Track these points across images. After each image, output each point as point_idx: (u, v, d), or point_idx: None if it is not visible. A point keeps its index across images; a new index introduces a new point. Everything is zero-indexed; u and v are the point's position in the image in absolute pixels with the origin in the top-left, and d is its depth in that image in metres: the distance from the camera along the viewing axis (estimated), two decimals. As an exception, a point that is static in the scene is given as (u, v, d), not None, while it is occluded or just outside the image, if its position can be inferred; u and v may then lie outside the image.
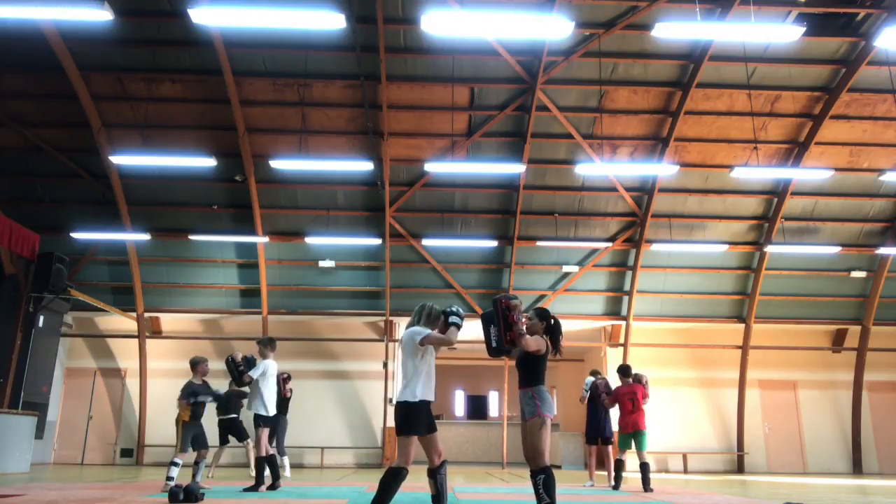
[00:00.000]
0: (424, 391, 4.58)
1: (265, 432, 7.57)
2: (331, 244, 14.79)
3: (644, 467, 8.57)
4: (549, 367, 20.14)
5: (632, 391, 9.07)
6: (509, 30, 11.10)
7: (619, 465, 8.91)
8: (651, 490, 8.21)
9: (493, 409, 24.21)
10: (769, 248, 14.66)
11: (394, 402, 15.57)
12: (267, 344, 7.85)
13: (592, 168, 13.15)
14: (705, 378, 15.83)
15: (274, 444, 10.02)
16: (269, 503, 6.04)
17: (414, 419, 4.50)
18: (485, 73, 13.09)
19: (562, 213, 14.92)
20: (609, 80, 13.15)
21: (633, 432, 8.90)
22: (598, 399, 9.93)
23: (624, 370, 9.37)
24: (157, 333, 15.88)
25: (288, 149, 13.76)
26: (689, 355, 16.10)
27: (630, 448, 9.00)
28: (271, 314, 15.41)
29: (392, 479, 4.36)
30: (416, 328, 4.70)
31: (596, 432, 9.97)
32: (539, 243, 14.75)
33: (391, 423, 15.36)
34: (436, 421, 4.80)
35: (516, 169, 13.09)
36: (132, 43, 12.36)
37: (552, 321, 4.92)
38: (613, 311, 15.77)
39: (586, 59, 12.74)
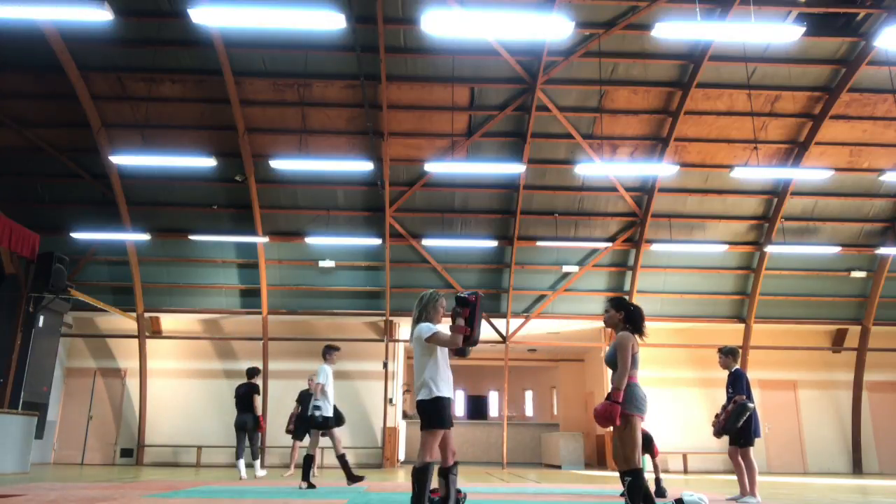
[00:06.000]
0: (441, 388, 4.41)
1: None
2: (331, 244, 14.79)
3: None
4: (549, 368, 20.00)
5: None
6: (509, 30, 11.11)
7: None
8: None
9: (494, 409, 24.22)
10: (769, 248, 14.66)
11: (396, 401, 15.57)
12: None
13: (592, 168, 13.14)
14: (705, 378, 15.82)
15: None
16: (268, 503, 6.04)
17: (435, 415, 4.36)
18: (485, 73, 13.09)
19: (562, 213, 14.92)
20: (609, 80, 13.14)
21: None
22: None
23: None
24: (157, 333, 15.89)
25: (288, 149, 13.77)
26: (689, 355, 16.10)
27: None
28: (271, 314, 15.42)
29: (424, 477, 4.27)
30: (423, 325, 4.54)
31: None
32: (539, 243, 14.75)
33: (391, 422, 15.39)
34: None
35: (516, 169, 13.08)
36: (132, 43, 12.35)
37: (631, 308, 4.75)
38: (613, 311, 15.74)
39: (586, 59, 12.74)
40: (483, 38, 12.19)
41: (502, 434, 16.00)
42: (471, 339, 4.37)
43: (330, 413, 8.29)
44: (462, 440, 18.54)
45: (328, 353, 8.96)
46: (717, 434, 7.16)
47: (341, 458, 8.07)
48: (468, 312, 4.38)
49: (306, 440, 10.25)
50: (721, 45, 12.33)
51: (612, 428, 4.59)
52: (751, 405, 6.94)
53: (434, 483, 4.55)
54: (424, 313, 4.62)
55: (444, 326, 4.50)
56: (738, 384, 7.07)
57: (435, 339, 4.43)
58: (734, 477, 12.97)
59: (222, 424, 15.28)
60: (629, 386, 4.55)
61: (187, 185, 14.32)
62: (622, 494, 7.58)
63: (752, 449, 6.99)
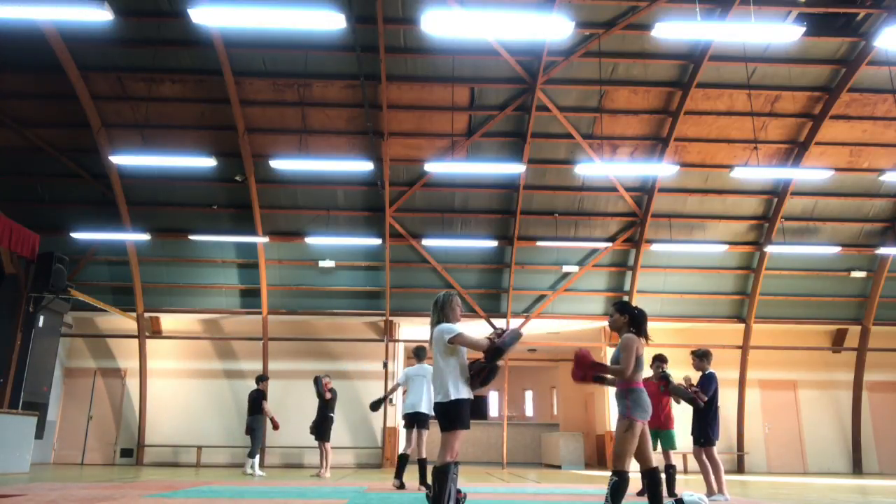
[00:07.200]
0: (460, 390, 4.39)
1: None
2: (331, 244, 14.79)
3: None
4: (549, 368, 19.96)
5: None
6: (509, 30, 11.12)
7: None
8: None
9: (494, 409, 24.21)
10: (769, 248, 14.66)
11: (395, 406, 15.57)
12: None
13: (592, 168, 13.15)
14: (705, 378, 15.78)
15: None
16: (268, 503, 6.03)
17: (456, 416, 4.37)
18: (485, 73, 13.09)
19: (562, 213, 14.92)
20: (609, 80, 13.14)
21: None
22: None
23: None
24: (157, 333, 15.89)
25: (288, 149, 13.77)
26: (689, 355, 16.08)
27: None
28: (271, 314, 15.41)
29: (445, 477, 4.26)
30: (444, 325, 4.50)
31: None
32: (539, 243, 14.75)
33: (391, 423, 15.40)
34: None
35: (516, 169, 13.08)
36: (132, 43, 12.35)
37: (635, 312, 4.79)
38: (613, 311, 15.75)
39: (586, 59, 12.74)
40: (483, 38, 12.18)
41: (502, 434, 16.01)
42: (493, 354, 4.35)
43: (422, 409, 8.16)
44: (462, 440, 18.52)
45: (424, 353, 8.55)
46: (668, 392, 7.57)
47: (412, 459, 8.09)
48: (499, 336, 4.42)
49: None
50: (721, 45, 12.33)
51: (615, 429, 4.61)
52: (701, 404, 7.24)
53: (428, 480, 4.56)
54: (443, 315, 4.58)
55: (462, 326, 4.51)
56: (706, 385, 7.29)
57: (459, 340, 4.40)
58: (735, 477, 12.99)
59: (222, 424, 15.31)
60: (635, 391, 4.57)
61: (187, 185, 14.31)
62: (639, 493, 7.49)
63: (715, 448, 7.18)
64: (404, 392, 8.51)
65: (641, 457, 4.60)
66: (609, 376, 4.76)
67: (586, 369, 4.70)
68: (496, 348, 4.37)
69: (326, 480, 9.85)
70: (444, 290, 4.89)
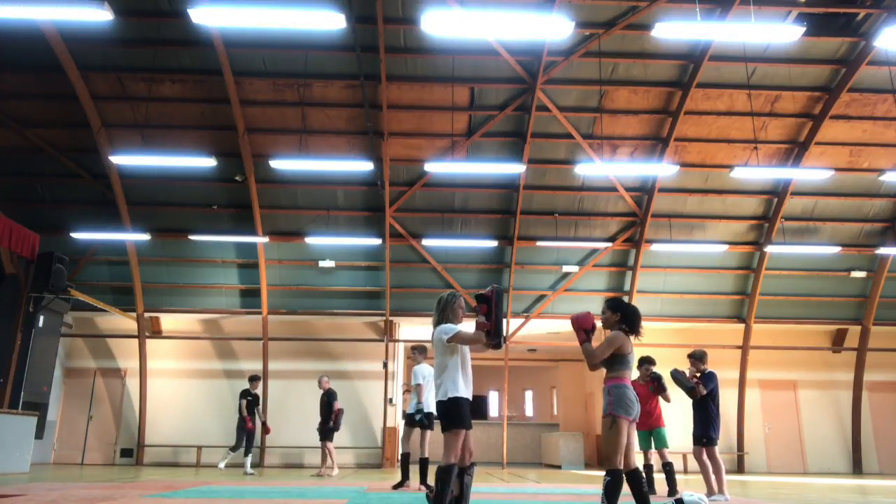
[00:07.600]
0: (459, 388, 4.41)
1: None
2: (331, 244, 14.79)
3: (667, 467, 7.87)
4: (549, 368, 19.93)
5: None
6: (509, 30, 11.13)
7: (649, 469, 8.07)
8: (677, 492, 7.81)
9: (494, 409, 24.22)
10: (769, 248, 14.66)
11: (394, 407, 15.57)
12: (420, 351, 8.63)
13: (592, 168, 13.15)
14: (705, 378, 15.77)
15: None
16: (268, 503, 6.03)
17: (454, 415, 4.37)
18: (485, 73, 13.09)
19: (562, 213, 14.92)
20: (609, 80, 13.14)
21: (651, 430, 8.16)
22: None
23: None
24: (157, 333, 15.88)
25: (288, 149, 13.77)
26: (687, 358, 16.06)
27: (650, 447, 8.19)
28: (271, 314, 15.41)
29: (447, 477, 4.28)
30: (444, 326, 4.53)
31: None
32: (539, 243, 14.75)
33: (391, 423, 15.39)
34: (436, 421, 4.71)
35: (516, 169, 13.08)
36: (132, 43, 12.35)
37: (627, 309, 4.73)
38: (613, 311, 15.74)
39: (586, 59, 12.74)
40: (483, 38, 12.18)
41: (502, 434, 16.00)
42: (495, 332, 4.34)
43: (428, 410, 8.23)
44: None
45: (423, 353, 8.68)
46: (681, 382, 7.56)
47: (424, 461, 8.03)
48: (486, 308, 4.39)
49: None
50: (721, 45, 12.33)
51: (601, 429, 4.58)
52: (698, 396, 7.29)
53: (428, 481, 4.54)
54: (444, 315, 4.59)
55: (465, 326, 4.50)
56: (706, 383, 7.32)
57: (458, 339, 4.43)
58: (735, 477, 12.98)
59: (222, 424, 15.26)
60: (620, 387, 4.53)
61: (187, 185, 14.31)
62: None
63: (716, 448, 7.20)
64: (406, 391, 8.54)
65: (623, 458, 4.54)
66: (586, 345, 4.69)
67: (578, 329, 4.68)
68: (495, 328, 4.35)
69: (327, 480, 9.86)
70: (444, 291, 4.89)
